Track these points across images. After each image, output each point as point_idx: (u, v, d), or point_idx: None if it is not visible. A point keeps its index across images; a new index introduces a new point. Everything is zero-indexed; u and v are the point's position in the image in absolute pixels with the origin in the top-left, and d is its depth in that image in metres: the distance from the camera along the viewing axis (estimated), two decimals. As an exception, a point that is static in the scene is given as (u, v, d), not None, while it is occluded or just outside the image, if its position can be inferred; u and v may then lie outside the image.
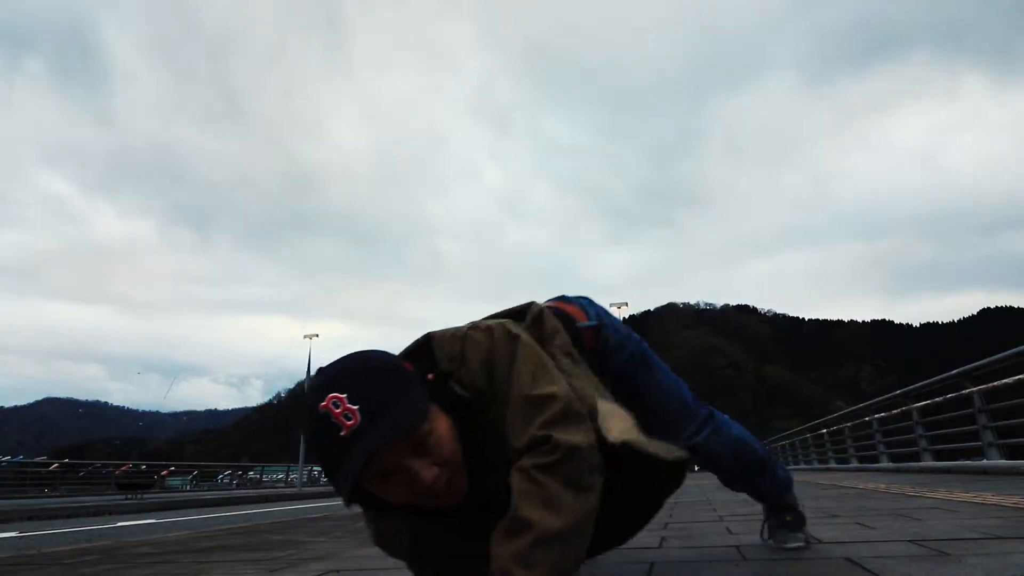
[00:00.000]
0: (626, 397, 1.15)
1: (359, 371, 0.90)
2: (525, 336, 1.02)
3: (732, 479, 1.52)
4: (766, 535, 1.73)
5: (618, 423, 1.00)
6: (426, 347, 1.05)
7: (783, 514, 1.65)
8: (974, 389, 6.02)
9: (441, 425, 0.91)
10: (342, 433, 0.83)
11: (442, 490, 0.91)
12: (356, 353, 0.95)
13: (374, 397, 0.86)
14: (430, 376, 0.96)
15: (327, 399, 0.85)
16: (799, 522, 1.65)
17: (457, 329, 1.06)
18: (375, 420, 0.84)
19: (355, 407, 0.84)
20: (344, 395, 0.85)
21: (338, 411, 0.84)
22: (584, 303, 1.35)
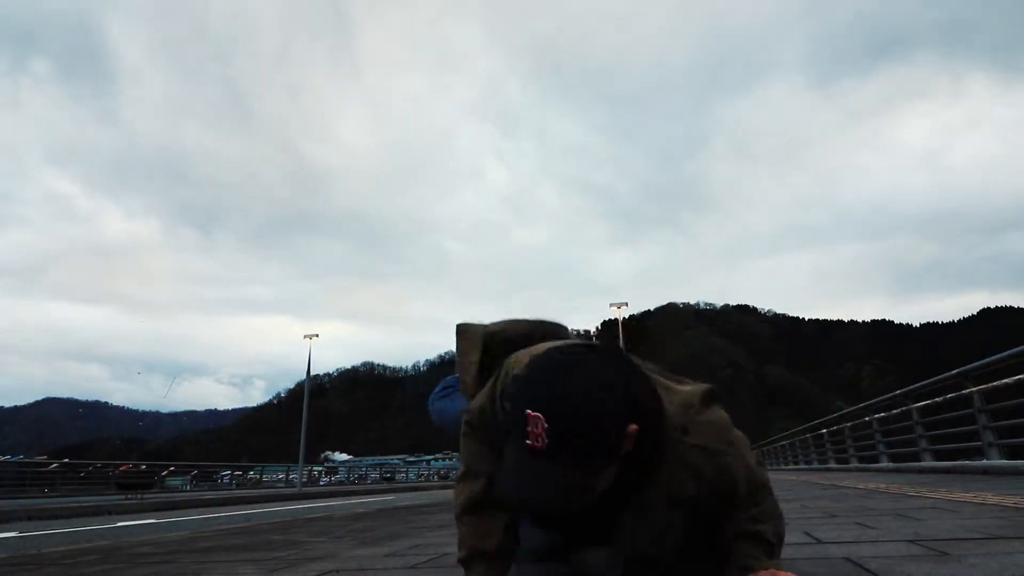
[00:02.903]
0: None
1: (577, 411, 0.92)
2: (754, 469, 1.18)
3: None
4: None
5: None
6: (655, 402, 1.03)
7: None
8: (974, 389, 6.01)
9: (612, 472, 0.98)
10: (528, 441, 0.93)
11: None
12: (595, 375, 0.96)
13: (568, 448, 0.92)
14: (631, 432, 0.95)
15: (534, 415, 0.92)
16: None
17: (713, 425, 1.13)
18: (553, 462, 0.92)
19: (547, 440, 0.91)
20: (547, 421, 0.91)
21: (536, 430, 0.92)
22: None
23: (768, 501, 1.21)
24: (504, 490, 0.99)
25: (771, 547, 1.14)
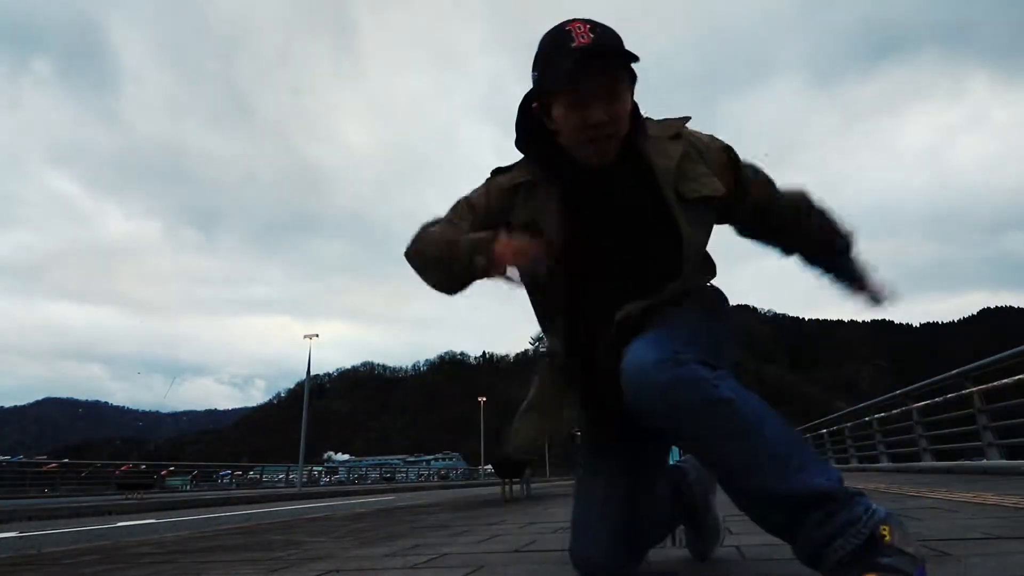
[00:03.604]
0: None
1: (605, 25, 1.06)
2: None
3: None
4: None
5: None
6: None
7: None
8: (974, 389, 6.01)
9: (629, 101, 1.09)
10: (574, 44, 1.01)
11: (601, 137, 1.07)
12: None
13: (610, 36, 1.05)
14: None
15: (573, 22, 1.05)
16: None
17: None
18: (603, 44, 1.03)
19: (592, 34, 1.02)
20: (587, 25, 1.04)
21: (579, 30, 1.03)
22: None
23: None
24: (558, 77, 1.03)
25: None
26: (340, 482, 33.44)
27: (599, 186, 1.14)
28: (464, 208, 1.20)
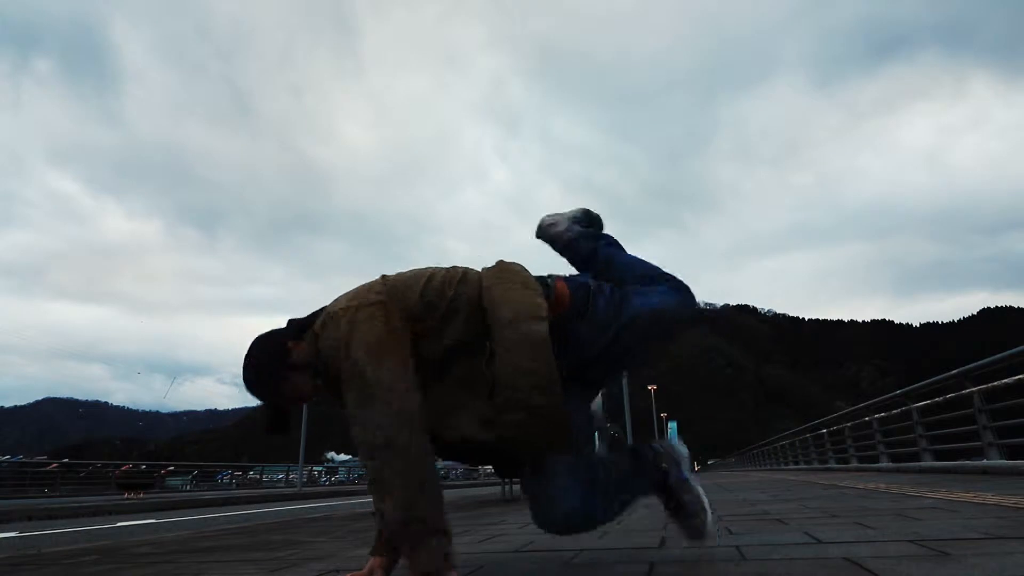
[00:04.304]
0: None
1: (245, 365, 1.42)
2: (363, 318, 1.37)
3: None
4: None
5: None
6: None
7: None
8: (974, 389, 6.01)
9: (298, 378, 1.42)
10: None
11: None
12: (253, 342, 1.45)
13: (251, 377, 1.42)
14: (291, 345, 1.42)
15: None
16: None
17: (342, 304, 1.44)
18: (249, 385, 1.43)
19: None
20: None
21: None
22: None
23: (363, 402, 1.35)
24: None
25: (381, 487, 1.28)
26: (340, 482, 33.36)
27: None
28: None
